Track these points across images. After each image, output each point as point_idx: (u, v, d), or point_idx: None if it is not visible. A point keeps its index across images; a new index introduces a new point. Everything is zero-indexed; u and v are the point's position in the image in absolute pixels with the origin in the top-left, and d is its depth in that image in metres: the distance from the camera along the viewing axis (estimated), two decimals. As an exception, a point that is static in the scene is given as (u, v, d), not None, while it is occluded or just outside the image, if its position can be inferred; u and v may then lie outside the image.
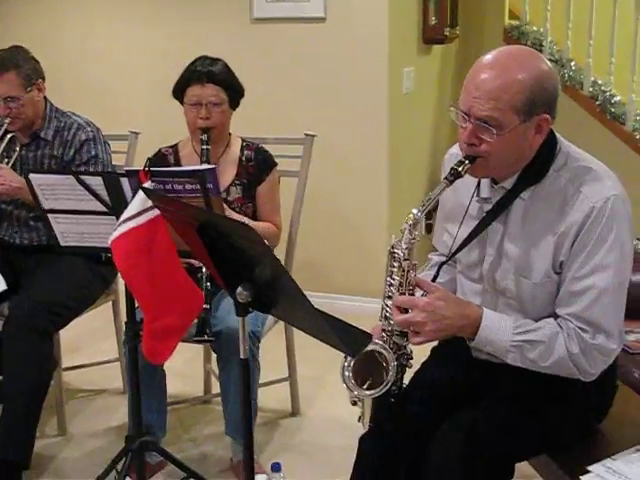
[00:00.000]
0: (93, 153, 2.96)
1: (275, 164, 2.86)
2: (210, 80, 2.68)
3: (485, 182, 1.84)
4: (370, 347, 1.73)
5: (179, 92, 2.74)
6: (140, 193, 2.10)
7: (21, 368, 2.60)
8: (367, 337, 1.52)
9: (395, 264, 1.77)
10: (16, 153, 2.94)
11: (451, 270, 2.03)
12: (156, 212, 2.13)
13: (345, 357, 1.80)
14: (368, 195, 4.07)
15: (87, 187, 2.20)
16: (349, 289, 4.16)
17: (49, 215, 2.31)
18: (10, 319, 2.67)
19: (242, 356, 1.72)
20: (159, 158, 2.84)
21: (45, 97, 3.03)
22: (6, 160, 2.92)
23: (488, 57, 1.71)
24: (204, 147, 2.65)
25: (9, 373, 2.63)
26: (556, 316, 1.77)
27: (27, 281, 2.87)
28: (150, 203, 2.13)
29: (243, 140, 2.86)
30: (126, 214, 2.08)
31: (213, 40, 4.13)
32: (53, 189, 2.24)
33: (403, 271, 1.75)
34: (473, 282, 1.92)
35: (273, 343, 3.00)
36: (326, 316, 1.55)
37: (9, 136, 2.91)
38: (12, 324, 2.65)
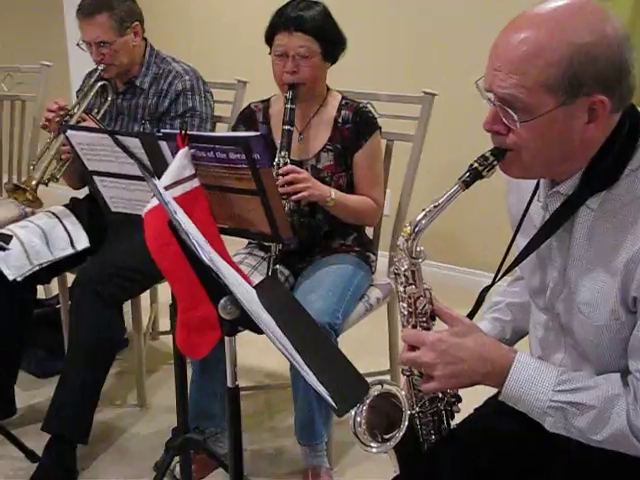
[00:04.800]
0: (190, 105, 2.68)
1: (377, 128, 2.40)
2: (299, 28, 2.24)
3: (544, 181, 1.35)
4: (376, 391, 1.30)
5: (268, 40, 2.36)
6: (175, 161, 1.79)
7: (81, 335, 2.41)
8: (363, 390, 1.10)
9: (401, 289, 1.34)
10: (106, 104, 2.73)
11: None
12: (194, 184, 1.83)
13: None
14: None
15: (125, 149, 1.91)
16: (486, 264, 3.70)
17: (95, 178, 2.06)
18: (77, 281, 2.48)
19: (229, 384, 1.36)
20: (247, 114, 2.50)
21: (146, 40, 2.78)
22: (95, 111, 2.72)
23: (526, 12, 1.22)
24: (288, 106, 2.27)
25: (71, 340, 2.46)
26: (626, 372, 1.27)
27: (108, 242, 2.68)
28: (187, 173, 1.83)
29: (343, 97, 2.43)
30: (159, 184, 1.78)
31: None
32: (93, 149, 1.97)
33: (410, 298, 1.32)
34: (541, 311, 1.44)
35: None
36: (327, 357, 1.16)
37: (99, 84, 2.70)
38: (78, 287, 2.46)
